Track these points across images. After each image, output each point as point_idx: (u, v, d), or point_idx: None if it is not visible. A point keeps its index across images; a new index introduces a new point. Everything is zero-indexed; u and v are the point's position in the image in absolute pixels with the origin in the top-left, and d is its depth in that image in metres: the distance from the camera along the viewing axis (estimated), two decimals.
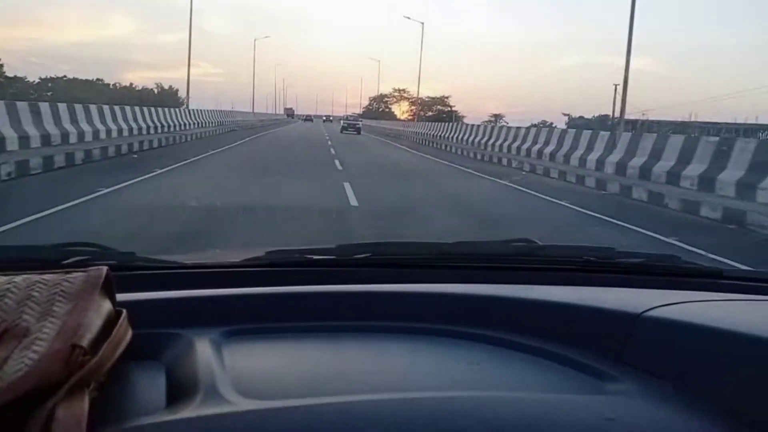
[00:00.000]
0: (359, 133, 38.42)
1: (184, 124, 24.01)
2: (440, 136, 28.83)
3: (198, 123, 27.20)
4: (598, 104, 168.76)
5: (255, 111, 63.29)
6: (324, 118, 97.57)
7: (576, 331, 0.82)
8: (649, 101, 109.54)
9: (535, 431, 0.59)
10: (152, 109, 20.43)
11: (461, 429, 0.58)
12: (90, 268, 0.67)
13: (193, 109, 29.38)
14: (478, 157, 18.94)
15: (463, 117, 79.74)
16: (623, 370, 0.74)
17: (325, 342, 0.81)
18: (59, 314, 0.59)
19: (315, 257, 1.07)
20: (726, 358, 0.69)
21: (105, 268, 0.67)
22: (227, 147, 17.44)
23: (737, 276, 1.17)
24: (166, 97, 75.20)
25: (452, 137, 26.53)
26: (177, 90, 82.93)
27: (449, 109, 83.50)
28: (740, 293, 1.01)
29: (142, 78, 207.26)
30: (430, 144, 27.53)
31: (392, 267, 1.10)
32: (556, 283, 0.99)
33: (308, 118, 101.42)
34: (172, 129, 21.44)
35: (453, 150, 22.64)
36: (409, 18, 42.86)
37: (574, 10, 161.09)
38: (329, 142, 24.07)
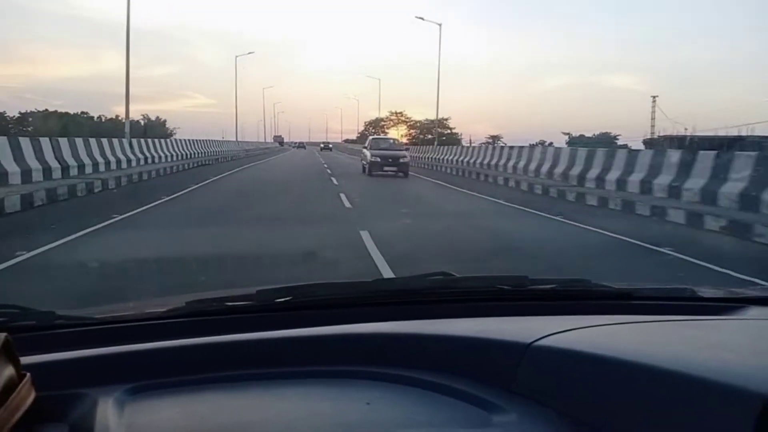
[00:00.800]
0: (406, 175, 18.35)
1: (112, 162, 16.09)
2: (472, 162, 21.72)
3: (148, 158, 19.57)
4: (589, 123, 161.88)
5: (243, 139, 54.74)
6: (322, 145, 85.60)
7: (470, 363, 0.83)
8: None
9: None
10: (44, 140, 12.73)
11: None
12: None
13: (146, 140, 21.39)
14: (536, 189, 11.93)
15: (461, 139, 72.45)
16: (512, 400, 0.75)
17: (228, 392, 0.81)
18: None
19: (235, 304, 1.06)
20: (609, 386, 0.71)
21: (3, 335, 0.66)
22: (154, 204, 9.84)
23: (647, 296, 1.17)
24: (153, 128, 69.37)
25: (488, 163, 20.31)
26: (165, 120, 78.56)
27: (449, 131, 75.56)
28: (647, 314, 1.01)
29: (134, 111, 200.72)
30: (457, 172, 20.46)
31: (313, 309, 1.07)
32: (469, 315, 1.01)
33: (300, 145, 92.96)
34: (83, 172, 13.85)
35: (484, 177, 15.74)
36: (422, 19, 33.09)
37: (565, 31, 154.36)
38: (334, 180, 16.25)
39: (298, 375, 0.85)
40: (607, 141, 57.80)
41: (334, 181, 16.12)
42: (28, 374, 0.67)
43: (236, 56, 46.56)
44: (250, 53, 71.18)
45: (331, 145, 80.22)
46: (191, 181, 14.53)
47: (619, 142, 58.34)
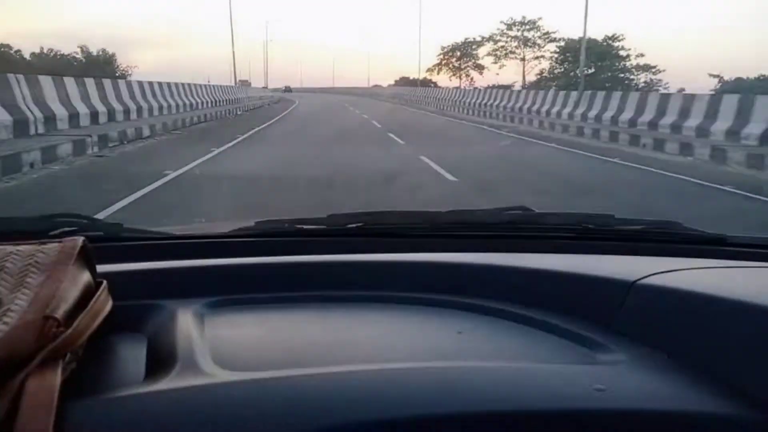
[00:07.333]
0: None
1: None
2: None
3: None
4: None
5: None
6: (284, 88, 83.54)
7: (568, 299, 0.82)
8: None
9: (522, 402, 0.58)
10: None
11: (447, 399, 0.57)
12: (66, 239, 0.65)
13: None
14: None
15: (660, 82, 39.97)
16: (616, 340, 0.73)
17: (311, 312, 0.81)
18: (32, 285, 0.58)
19: (306, 227, 1.06)
20: (724, 328, 0.68)
21: (81, 239, 0.65)
22: None
23: (740, 243, 1.11)
24: (95, 67, 44.67)
25: None
26: (113, 54, 53.75)
27: (633, 62, 40.30)
28: (742, 260, 0.97)
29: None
30: None
31: (384, 236, 1.07)
32: (551, 252, 0.98)
33: (287, 89, 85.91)
34: None
35: None
36: None
37: None
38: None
39: (383, 299, 0.84)
40: None
41: None
42: (105, 282, 0.67)
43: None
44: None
45: (291, 87, 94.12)
46: None
47: None
